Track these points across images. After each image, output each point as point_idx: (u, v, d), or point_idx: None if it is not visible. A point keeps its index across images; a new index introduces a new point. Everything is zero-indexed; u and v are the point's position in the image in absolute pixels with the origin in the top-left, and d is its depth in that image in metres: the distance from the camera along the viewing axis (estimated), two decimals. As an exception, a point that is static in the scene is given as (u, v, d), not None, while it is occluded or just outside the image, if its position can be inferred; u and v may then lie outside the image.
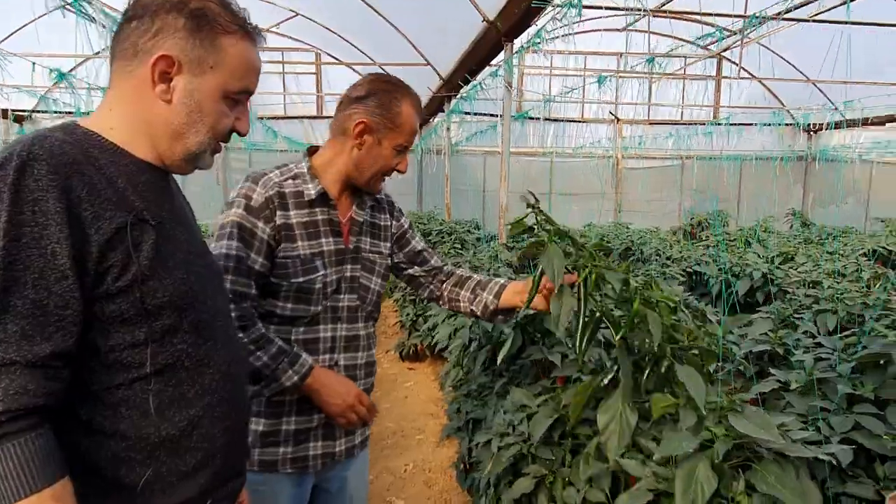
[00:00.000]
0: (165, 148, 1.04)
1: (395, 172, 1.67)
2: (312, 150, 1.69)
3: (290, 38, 9.65)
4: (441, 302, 1.90)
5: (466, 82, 6.56)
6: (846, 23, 6.00)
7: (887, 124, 10.78)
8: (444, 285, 1.90)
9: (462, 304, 1.86)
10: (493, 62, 6.07)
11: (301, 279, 1.56)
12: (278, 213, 1.56)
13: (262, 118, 10.01)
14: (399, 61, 6.86)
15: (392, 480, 3.42)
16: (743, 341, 2.54)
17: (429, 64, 6.97)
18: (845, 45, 7.65)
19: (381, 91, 1.59)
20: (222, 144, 1.13)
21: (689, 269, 5.28)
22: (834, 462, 1.49)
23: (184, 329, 1.04)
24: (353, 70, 9.68)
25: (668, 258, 6.05)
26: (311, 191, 1.59)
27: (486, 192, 11.90)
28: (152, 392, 1.01)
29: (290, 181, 1.60)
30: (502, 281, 1.82)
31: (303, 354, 1.54)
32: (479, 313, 1.83)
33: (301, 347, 1.58)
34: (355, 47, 8.58)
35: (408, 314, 5.49)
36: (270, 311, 1.58)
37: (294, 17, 8.57)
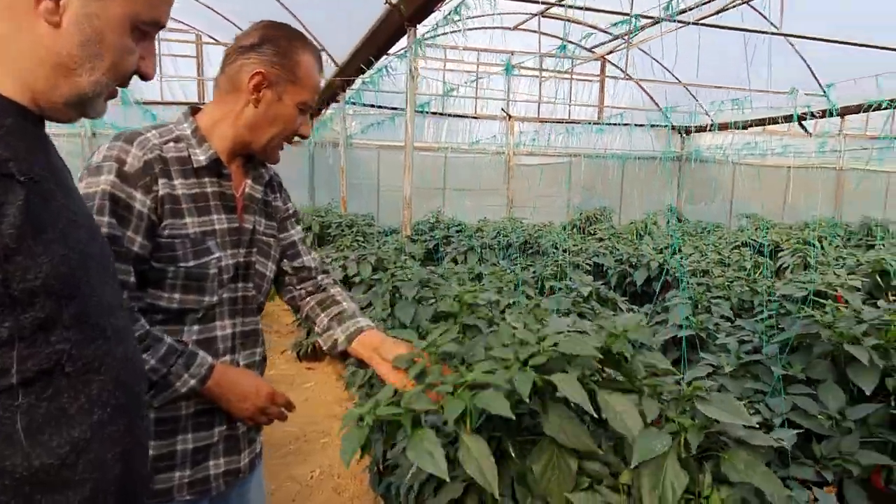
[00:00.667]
0: (45, 86, 0.79)
1: (297, 138, 1.44)
2: (195, 111, 1.41)
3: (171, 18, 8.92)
4: (299, 313, 1.66)
5: (363, 72, 6.33)
6: (717, 27, 6.41)
7: (750, 128, 11.77)
8: (308, 299, 1.64)
9: (317, 329, 1.62)
10: (393, 50, 5.90)
11: (191, 263, 1.30)
12: (160, 181, 1.27)
13: (138, 102, 9.17)
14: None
15: (298, 489, 3.17)
16: (660, 328, 2.55)
17: (323, 49, 6.66)
18: (717, 51, 8.21)
19: (279, 37, 1.33)
20: (118, 89, 0.88)
21: (588, 262, 5.40)
22: (776, 445, 1.47)
23: (64, 323, 0.78)
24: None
25: (564, 251, 6.17)
26: (199, 156, 1.32)
27: (381, 188, 11.70)
28: (20, 409, 0.75)
29: (171, 144, 1.32)
30: (362, 324, 1.57)
31: (199, 352, 1.30)
32: (325, 347, 1.60)
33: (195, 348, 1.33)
34: (240, 29, 8.03)
35: (306, 311, 5.18)
36: (153, 305, 1.30)
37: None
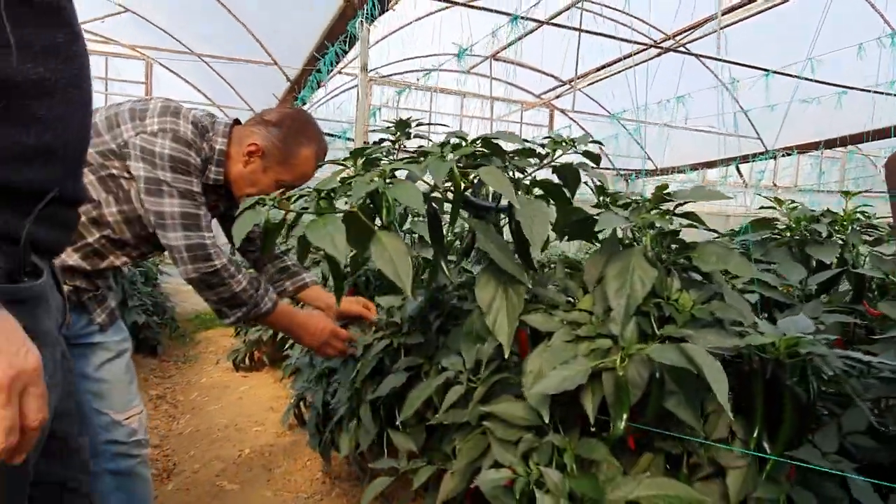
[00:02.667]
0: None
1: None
2: (237, 123, 1.76)
3: (118, 43, 8.79)
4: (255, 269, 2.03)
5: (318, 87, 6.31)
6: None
7: (682, 174, 12.22)
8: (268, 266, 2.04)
9: (267, 278, 2.01)
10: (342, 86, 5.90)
11: None
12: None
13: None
14: (242, 56, 6.44)
15: (223, 467, 2.86)
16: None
17: (275, 63, 6.63)
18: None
19: (291, 126, 1.67)
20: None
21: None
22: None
23: None
24: (188, 83, 9.04)
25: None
26: (211, 174, 1.67)
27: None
28: None
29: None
30: (307, 280, 2.02)
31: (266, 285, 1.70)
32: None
33: None
34: (191, 51, 7.96)
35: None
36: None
37: (123, 13, 7.82)
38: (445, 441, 1.62)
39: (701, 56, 7.41)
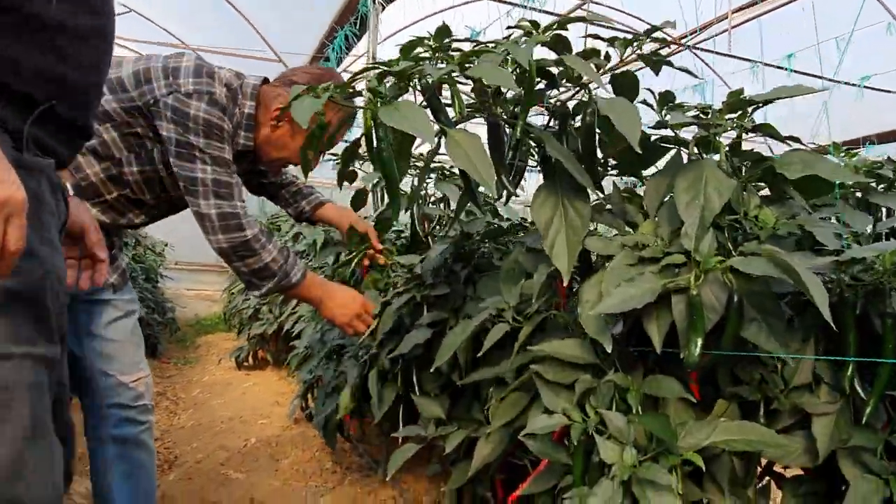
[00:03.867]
0: None
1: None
2: (266, 82, 1.66)
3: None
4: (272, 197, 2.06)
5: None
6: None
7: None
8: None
9: (282, 203, 2.03)
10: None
11: None
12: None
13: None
14: (242, 52, 6.32)
15: (228, 456, 2.70)
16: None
17: (280, 60, 6.54)
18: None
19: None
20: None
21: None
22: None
23: None
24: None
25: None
26: (241, 140, 1.59)
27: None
28: None
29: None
30: (322, 197, 2.03)
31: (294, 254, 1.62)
32: (293, 215, 2.06)
33: None
34: (184, 44, 7.84)
35: (249, 305, 4.76)
36: None
37: (127, 13, 7.75)
38: (475, 408, 1.47)
39: None
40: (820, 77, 5.94)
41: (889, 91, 6.51)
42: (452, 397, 1.55)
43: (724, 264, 0.90)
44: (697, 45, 6.50)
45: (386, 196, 1.08)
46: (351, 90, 1.03)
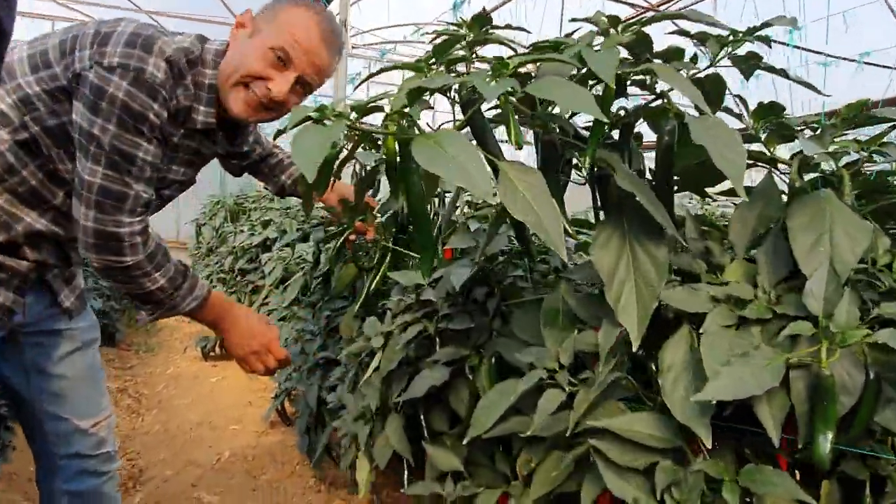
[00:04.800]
0: None
1: (270, 97, 1.25)
2: None
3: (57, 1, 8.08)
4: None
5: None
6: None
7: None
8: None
9: (262, 178, 1.77)
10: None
11: None
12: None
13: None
14: (200, 16, 5.83)
15: (200, 474, 2.46)
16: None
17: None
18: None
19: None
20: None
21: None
22: None
23: None
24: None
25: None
26: (199, 117, 1.28)
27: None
28: None
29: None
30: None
31: (199, 277, 1.36)
32: (274, 191, 1.78)
33: None
34: (137, 7, 7.27)
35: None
36: None
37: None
38: (499, 456, 1.26)
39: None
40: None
41: None
42: (464, 436, 1.35)
43: (869, 337, 0.70)
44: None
45: (419, 247, 0.85)
46: (371, 106, 0.77)
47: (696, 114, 0.84)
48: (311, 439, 2.12)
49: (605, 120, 0.70)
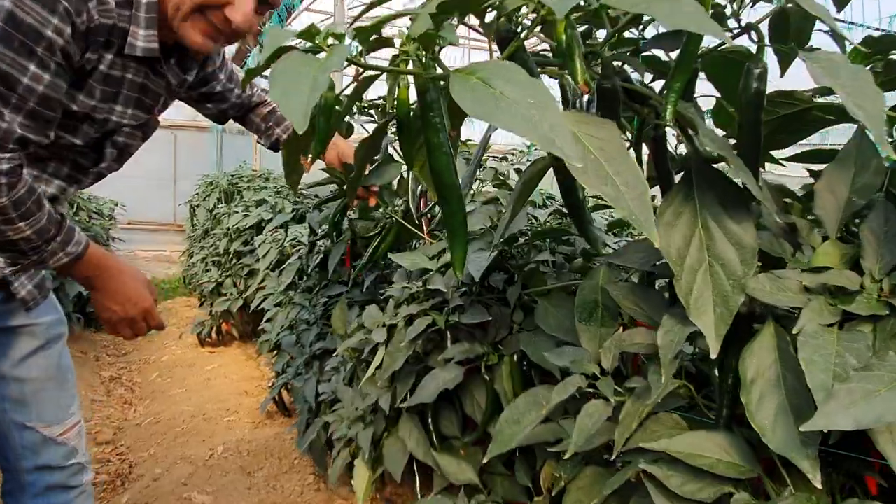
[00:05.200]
0: None
1: (223, 22, 1.04)
2: None
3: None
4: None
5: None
6: None
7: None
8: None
9: (255, 131, 1.60)
10: None
11: None
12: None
13: None
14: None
15: (192, 471, 2.31)
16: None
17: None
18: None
19: None
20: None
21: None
22: None
23: None
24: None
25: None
26: (138, 42, 1.06)
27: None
28: None
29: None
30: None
31: (76, 229, 1.15)
32: (267, 145, 1.59)
33: None
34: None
35: (211, 277, 4.31)
36: None
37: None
38: (519, 467, 1.10)
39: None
40: None
41: None
42: (480, 442, 1.19)
43: None
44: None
45: (445, 229, 0.67)
46: (377, 37, 0.59)
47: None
48: (310, 435, 1.96)
49: (726, 38, 0.52)
